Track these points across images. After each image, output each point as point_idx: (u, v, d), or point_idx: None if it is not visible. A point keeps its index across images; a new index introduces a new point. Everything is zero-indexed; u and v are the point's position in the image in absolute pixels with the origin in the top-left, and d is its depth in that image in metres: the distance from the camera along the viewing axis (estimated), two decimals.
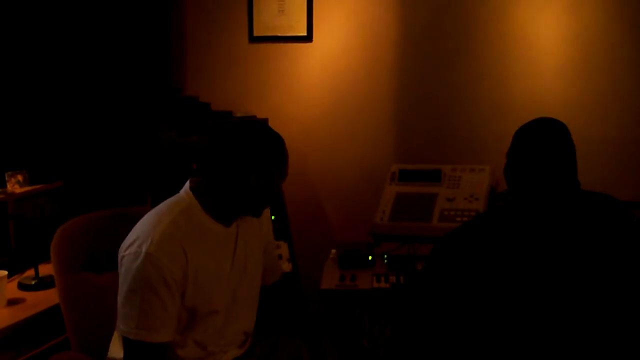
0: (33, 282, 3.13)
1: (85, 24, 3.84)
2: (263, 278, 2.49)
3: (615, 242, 2.11)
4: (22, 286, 3.13)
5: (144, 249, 2.05)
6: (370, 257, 3.43)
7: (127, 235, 2.17)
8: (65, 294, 2.47)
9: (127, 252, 2.09)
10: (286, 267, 3.70)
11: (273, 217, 3.61)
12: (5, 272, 2.93)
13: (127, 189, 3.80)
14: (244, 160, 2.14)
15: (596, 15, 3.79)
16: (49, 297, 3.00)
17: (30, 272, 3.24)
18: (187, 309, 2.17)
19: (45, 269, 3.21)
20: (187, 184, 2.25)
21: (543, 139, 2.21)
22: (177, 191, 2.27)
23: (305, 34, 4.17)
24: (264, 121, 4.06)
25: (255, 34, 4.24)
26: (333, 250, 3.58)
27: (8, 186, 3.40)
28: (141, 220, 2.18)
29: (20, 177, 3.42)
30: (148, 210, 2.24)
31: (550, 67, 3.86)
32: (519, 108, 3.85)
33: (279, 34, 4.21)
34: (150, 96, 4.08)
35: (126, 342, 2.12)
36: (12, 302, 2.97)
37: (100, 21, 3.89)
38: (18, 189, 3.40)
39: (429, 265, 2.34)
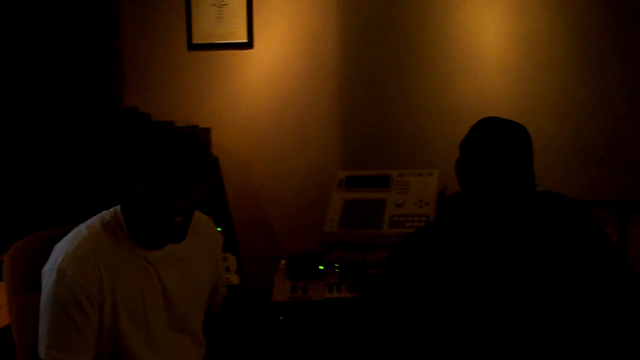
0: None
1: (21, 38, 3.70)
2: (210, 307, 2.37)
3: (569, 242, 2.10)
4: None
5: (56, 265, 1.95)
6: (321, 267, 3.37)
7: None
8: (16, 316, 2.32)
9: (44, 269, 2.00)
10: (234, 279, 3.62)
11: (220, 229, 3.55)
12: None
13: (68, 206, 3.66)
14: (118, 169, 2.01)
15: (538, 15, 3.82)
16: None
17: None
18: (109, 333, 2.03)
19: None
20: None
21: (499, 138, 2.15)
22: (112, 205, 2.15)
23: (245, 40, 4.10)
24: (206, 130, 3.97)
25: (195, 41, 4.15)
26: (282, 261, 3.50)
27: None
28: (66, 235, 2.07)
29: None
30: None
31: (494, 67, 3.87)
32: (464, 110, 3.84)
33: (219, 41, 4.13)
34: (88, 108, 3.96)
35: None
36: None
37: (36, 30, 3.77)
38: None
39: (387, 273, 2.29)
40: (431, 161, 3.72)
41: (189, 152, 2.01)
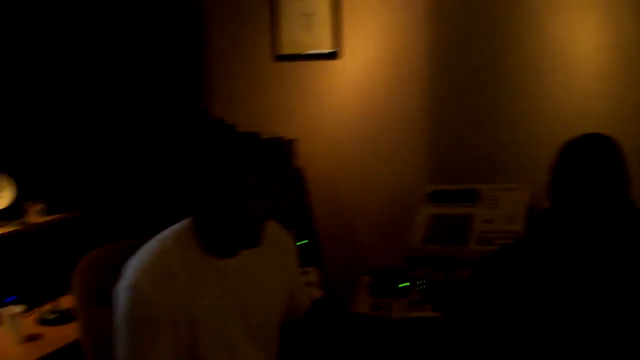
0: (52, 317, 3.02)
1: (111, 46, 3.74)
2: (289, 316, 2.29)
3: None
4: (41, 321, 3.02)
5: (130, 281, 1.90)
6: (404, 284, 3.26)
7: None
8: (87, 330, 2.30)
9: (118, 286, 1.94)
10: (317, 293, 3.55)
11: (304, 242, 3.49)
12: (21, 308, 2.82)
13: (150, 218, 3.67)
14: (193, 174, 1.95)
15: (636, 23, 3.61)
16: (69, 333, 2.88)
17: (51, 305, 3.12)
18: (187, 349, 1.97)
19: (64, 302, 3.10)
20: None
21: (590, 157, 2.04)
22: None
23: (331, 50, 4.03)
24: (292, 142, 3.93)
25: (281, 52, 4.12)
26: (365, 277, 3.41)
27: (27, 216, 3.30)
28: (138, 251, 2.02)
29: (39, 207, 3.32)
30: None
31: (590, 77, 3.67)
32: (558, 122, 3.66)
33: (305, 52, 4.08)
34: (175, 119, 3.97)
35: None
36: (30, 338, 2.86)
37: (125, 42, 3.80)
38: (37, 219, 3.30)
39: (472, 292, 2.19)
40: (522, 175, 3.59)
41: (261, 159, 1.97)
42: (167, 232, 2.03)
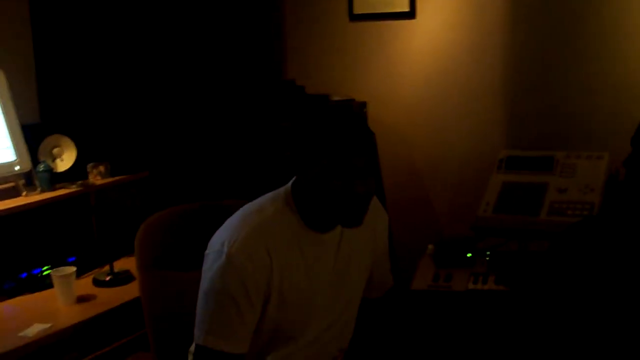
0: (107, 278, 3.03)
1: (180, 10, 3.71)
2: (365, 292, 2.21)
3: None
4: (96, 282, 3.04)
5: (225, 249, 1.83)
6: (469, 254, 3.12)
7: (216, 230, 1.96)
8: (147, 291, 2.33)
9: (211, 249, 1.89)
10: None
11: None
12: (74, 269, 2.84)
13: (216, 180, 3.64)
14: (324, 156, 1.83)
15: None
16: (121, 295, 2.91)
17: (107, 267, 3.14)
18: (271, 322, 1.93)
19: (123, 263, 3.11)
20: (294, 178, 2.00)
21: None
22: (270, 183, 2.03)
23: (407, 9, 3.86)
24: (362, 105, 3.81)
25: (356, 11, 3.98)
26: (430, 246, 3.29)
27: (90, 177, 3.32)
28: (232, 215, 1.96)
29: (102, 169, 3.33)
30: (239, 204, 2.01)
31: None
32: None
33: (381, 11, 3.93)
34: (246, 80, 3.92)
35: (196, 348, 1.93)
36: (82, 299, 2.88)
37: (194, 5, 3.76)
38: (99, 181, 3.31)
39: (546, 267, 2.05)
40: (603, 143, 3.36)
41: (371, 136, 1.89)
42: (265, 201, 1.97)
